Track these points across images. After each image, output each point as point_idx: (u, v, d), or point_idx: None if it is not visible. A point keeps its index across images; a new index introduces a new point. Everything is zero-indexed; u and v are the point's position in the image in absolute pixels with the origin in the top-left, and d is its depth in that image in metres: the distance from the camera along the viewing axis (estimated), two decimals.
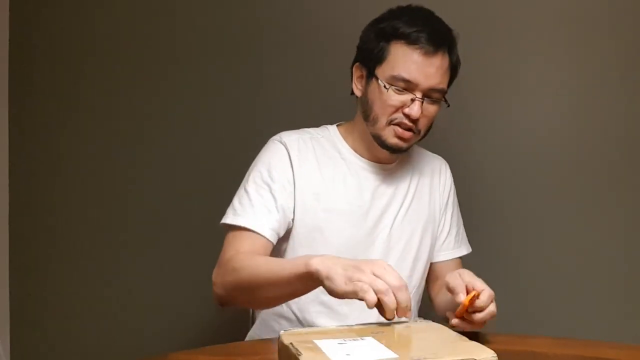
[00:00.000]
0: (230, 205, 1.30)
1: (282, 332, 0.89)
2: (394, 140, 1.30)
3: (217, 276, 1.22)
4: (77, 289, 2.01)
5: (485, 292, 1.08)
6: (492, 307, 1.09)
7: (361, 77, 1.33)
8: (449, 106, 1.33)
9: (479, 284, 1.09)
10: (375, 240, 1.34)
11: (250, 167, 1.34)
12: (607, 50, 1.68)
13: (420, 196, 1.41)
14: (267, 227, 1.26)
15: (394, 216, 1.37)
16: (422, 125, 1.30)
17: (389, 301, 0.93)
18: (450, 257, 1.44)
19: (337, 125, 1.42)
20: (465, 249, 1.47)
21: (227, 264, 1.20)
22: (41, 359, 2.05)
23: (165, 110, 1.94)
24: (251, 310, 1.47)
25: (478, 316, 1.08)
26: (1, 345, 0.76)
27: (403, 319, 0.96)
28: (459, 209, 1.49)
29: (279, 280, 1.10)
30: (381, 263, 0.99)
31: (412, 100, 1.26)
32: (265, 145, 1.36)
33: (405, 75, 1.26)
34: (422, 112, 1.27)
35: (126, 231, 1.98)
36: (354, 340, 0.87)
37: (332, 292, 0.99)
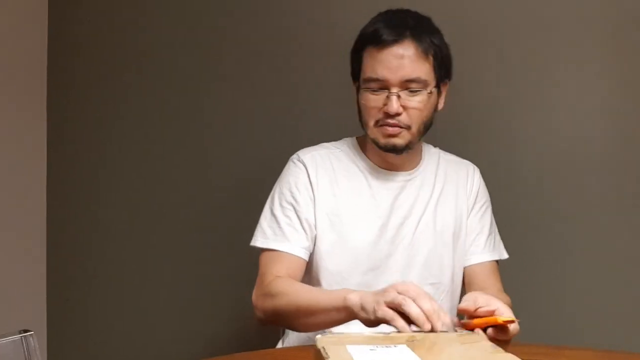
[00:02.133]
0: (259, 226, 1.35)
1: (318, 336, 0.89)
2: (384, 140, 1.30)
3: (257, 300, 1.26)
4: (110, 295, 2.04)
5: (504, 312, 1.02)
6: (514, 329, 1.03)
7: (355, 90, 1.36)
8: (430, 93, 1.28)
9: (501, 309, 1.03)
10: (397, 250, 1.34)
11: (274, 188, 1.38)
12: (633, 50, 1.64)
13: (445, 203, 1.39)
14: (299, 246, 1.31)
15: (416, 225, 1.36)
16: (411, 119, 1.28)
17: (413, 311, 0.95)
18: (480, 261, 1.40)
19: (356, 137, 1.43)
20: (497, 254, 1.44)
21: (266, 289, 1.24)
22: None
23: (202, 114, 1.96)
24: None
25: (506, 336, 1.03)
26: (39, 352, 0.77)
27: (444, 328, 0.95)
28: (491, 214, 1.46)
29: (317, 311, 1.14)
30: (404, 282, 1.03)
31: (388, 97, 1.26)
32: (286, 166, 1.39)
33: (372, 74, 1.27)
34: (404, 107, 1.27)
35: (162, 238, 2.00)
36: (386, 347, 0.86)
37: (366, 322, 1.04)
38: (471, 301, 1.04)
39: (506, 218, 1.60)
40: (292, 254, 1.30)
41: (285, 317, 1.21)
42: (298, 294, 1.20)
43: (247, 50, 1.92)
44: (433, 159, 1.43)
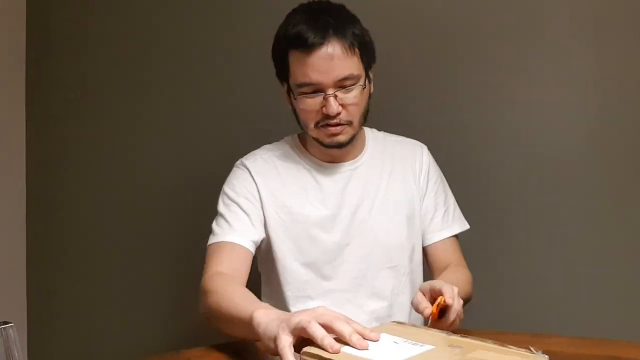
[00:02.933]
0: (212, 231, 1.33)
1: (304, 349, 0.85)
2: (329, 140, 1.30)
3: (200, 296, 1.22)
4: (92, 288, 2.03)
5: (447, 291, 1.07)
6: (457, 305, 1.07)
7: (285, 92, 1.34)
8: (363, 86, 1.28)
9: (444, 288, 1.08)
10: (352, 241, 1.35)
11: (220, 195, 1.38)
12: (617, 47, 1.66)
13: (395, 185, 1.39)
14: (244, 237, 1.30)
15: (369, 211, 1.36)
16: (351, 114, 1.29)
17: (316, 334, 0.85)
18: (439, 239, 1.41)
19: (298, 134, 1.43)
20: (458, 227, 1.44)
21: (202, 286, 1.22)
22: (56, 357, 2.07)
23: (178, 108, 1.95)
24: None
25: (446, 323, 1.07)
26: (19, 343, 0.76)
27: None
28: (444, 188, 1.46)
29: (232, 319, 1.06)
30: (318, 308, 0.91)
31: (325, 98, 1.26)
32: (230, 175, 1.39)
33: (305, 79, 1.26)
34: (342, 105, 1.26)
35: (143, 231, 1.99)
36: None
37: (265, 350, 0.94)
38: (420, 294, 1.10)
39: (488, 212, 1.62)
40: (235, 244, 1.28)
41: (212, 318, 1.15)
42: (227, 295, 1.13)
43: (244, 50, 1.91)
44: (378, 143, 1.43)
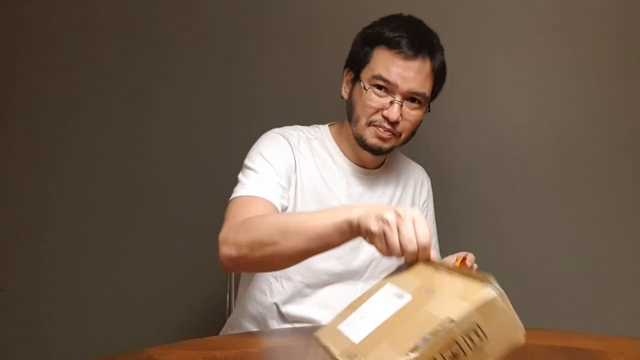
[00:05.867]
0: (238, 184, 1.28)
1: (316, 333, 0.84)
2: (373, 140, 1.32)
3: (228, 235, 1.14)
4: (51, 284, 1.99)
5: (470, 255, 1.18)
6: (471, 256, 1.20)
7: (349, 80, 1.37)
8: (429, 111, 1.35)
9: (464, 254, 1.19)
10: (362, 243, 1.36)
11: (248, 154, 1.33)
12: (597, 50, 1.71)
13: (405, 199, 1.45)
14: (275, 195, 1.25)
15: None
16: (403, 128, 1.32)
17: (391, 241, 0.90)
18: None
19: (329, 126, 1.44)
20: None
21: (244, 223, 1.14)
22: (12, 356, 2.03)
23: (159, 107, 1.93)
24: (227, 304, 1.48)
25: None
26: None
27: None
28: (434, 220, 1.53)
29: (311, 231, 1.04)
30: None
31: (391, 102, 1.29)
32: (263, 136, 1.36)
33: (384, 75, 1.29)
34: (402, 116, 1.30)
35: (100, 224, 1.97)
36: (372, 299, 0.83)
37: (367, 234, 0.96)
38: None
39: (460, 212, 1.65)
40: (268, 200, 1.23)
41: (266, 246, 1.08)
42: (286, 218, 1.13)
43: (209, 40, 1.90)
44: (393, 157, 1.47)
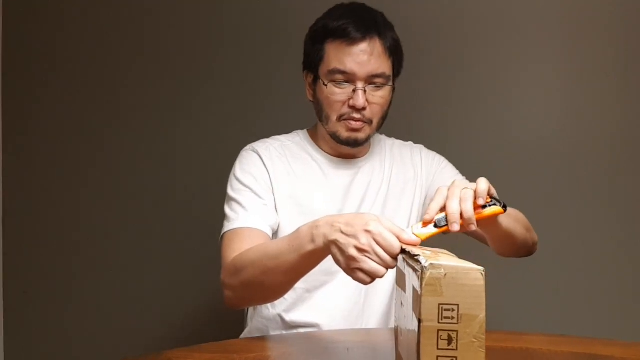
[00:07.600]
0: (225, 218, 1.31)
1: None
2: (347, 134, 1.32)
3: (224, 279, 1.21)
4: (72, 287, 2.01)
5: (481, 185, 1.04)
6: (482, 186, 1.05)
7: (310, 82, 1.37)
8: (392, 88, 1.33)
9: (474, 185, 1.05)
10: None
11: (229, 179, 1.37)
12: (603, 51, 1.70)
13: (396, 185, 1.41)
14: (262, 221, 1.28)
15: (371, 207, 1.38)
16: (373, 114, 1.31)
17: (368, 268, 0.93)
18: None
19: (307, 130, 1.45)
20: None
21: (233, 264, 1.19)
22: (34, 358, 2.04)
23: (160, 109, 1.94)
24: (246, 311, 1.48)
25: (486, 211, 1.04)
26: None
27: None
28: (453, 167, 1.44)
29: (285, 265, 1.08)
30: (377, 219, 0.96)
31: (354, 91, 1.28)
32: (238, 157, 1.39)
33: (340, 67, 1.29)
34: (369, 101, 1.29)
35: (121, 229, 1.98)
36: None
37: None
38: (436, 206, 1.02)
39: None
40: (254, 229, 1.26)
41: (255, 286, 1.14)
42: (264, 251, 1.15)
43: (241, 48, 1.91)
44: (380, 143, 1.46)
